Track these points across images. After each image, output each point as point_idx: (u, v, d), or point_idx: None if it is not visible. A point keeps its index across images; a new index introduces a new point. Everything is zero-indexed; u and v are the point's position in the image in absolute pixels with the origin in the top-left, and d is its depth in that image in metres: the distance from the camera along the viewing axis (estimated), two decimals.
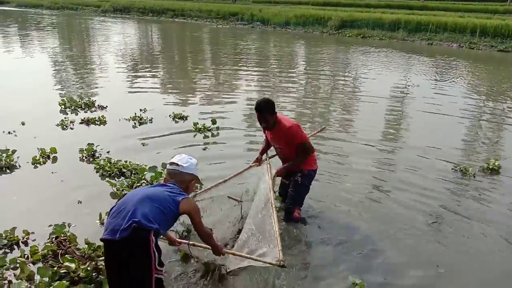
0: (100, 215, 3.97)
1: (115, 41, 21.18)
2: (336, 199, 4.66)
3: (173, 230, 3.37)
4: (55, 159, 5.55)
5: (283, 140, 3.97)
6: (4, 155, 5.32)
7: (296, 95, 10.33)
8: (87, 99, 8.28)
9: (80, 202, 4.35)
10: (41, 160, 5.44)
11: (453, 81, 12.77)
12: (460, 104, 9.46)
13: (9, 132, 6.37)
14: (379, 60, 16.85)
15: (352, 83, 12.03)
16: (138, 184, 4.60)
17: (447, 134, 7.21)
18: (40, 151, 5.55)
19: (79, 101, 8.01)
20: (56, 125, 6.85)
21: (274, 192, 3.75)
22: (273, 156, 4.33)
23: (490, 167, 5.55)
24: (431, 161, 5.84)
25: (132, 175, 4.92)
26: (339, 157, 5.96)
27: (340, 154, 6.06)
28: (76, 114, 7.49)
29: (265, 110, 3.79)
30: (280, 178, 4.26)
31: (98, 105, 7.99)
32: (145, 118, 7.25)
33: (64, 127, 6.82)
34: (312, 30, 28.61)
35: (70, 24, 32.06)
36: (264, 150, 4.30)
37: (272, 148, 4.27)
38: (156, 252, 2.52)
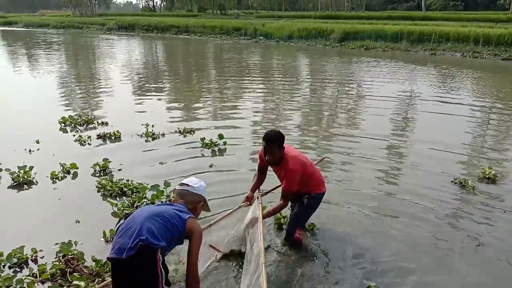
0: (104, 232, 3.95)
1: (120, 57, 21.43)
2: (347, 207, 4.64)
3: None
4: (75, 175, 5.57)
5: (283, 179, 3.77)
6: (22, 171, 5.36)
7: (302, 103, 10.43)
8: (85, 116, 8.28)
9: (78, 222, 4.30)
10: (60, 175, 5.47)
11: (457, 90, 12.71)
12: (463, 112, 9.52)
13: (30, 151, 6.40)
14: (383, 70, 16.87)
15: (356, 93, 12.02)
16: (139, 204, 4.55)
17: (446, 143, 7.07)
18: (61, 167, 5.60)
19: (78, 119, 8.00)
20: (74, 141, 6.93)
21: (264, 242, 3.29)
22: (266, 193, 4.08)
23: (487, 176, 5.48)
24: (429, 173, 5.72)
25: (133, 194, 4.86)
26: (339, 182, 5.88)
27: (343, 172, 6.03)
28: (77, 132, 7.49)
29: (274, 142, 3.55)
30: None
31: (100, 122, 8.01)
32: (157, 133, 7.27)
33: (82, 142, 6.88)
34: (315, 43, 28.84)
35: (76, 42, 32.52)
36: (256, 186, 3.99)
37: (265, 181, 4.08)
38: (163, 271, 2.49)
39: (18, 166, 5.41)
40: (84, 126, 7.81)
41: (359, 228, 4.27)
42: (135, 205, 4.52)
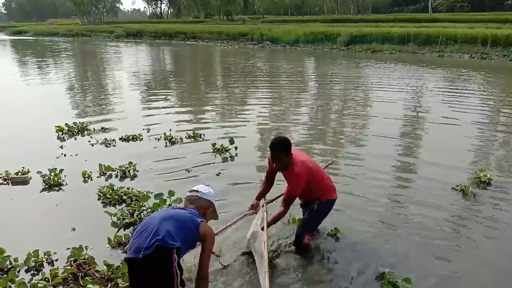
0: (109, 239, 3.99)
1: (128, 63, 21.67)
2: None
3: None
4: (109, 177, 5.68)
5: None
6: (52, 173, 5.50)
7: (311, 105, 10.49)
8: (80, 124, 8.12)
9: (74, 229, 4.28)
10: (92, 177, 5.63)
11: (465, 92, 12.65)
12: (467, 114, 9.43)
13: (64, 155, 6.54)
14: (390, 73, 16.85)
15: (361, 102, 12.02)
16: (138, 212, 4.54)
17: (448, 148, 6.98)
18: (103, 167, 5.77)
19: (74, 127, 7.88)
20: (100, 144, 7.10)
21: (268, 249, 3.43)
22: (271, 201, 4.09)
23: (482, 180, 5.40)
24: (428, 181, 5.58)
25: (133, 202, 4.83)
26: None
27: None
28: (76, 139, 7.55)
29: (279, 150, 3.57)
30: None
31: (102, 128, 8.09)
32: (175, 138, 7.30)
33: (108, 144, 7.08)
34: (322, 47, 28.93)
35: (85, 49, 32.92)
36: (262, 194, 3.99)
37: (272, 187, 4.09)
38: (178, 271, 2.55)
39: (48, 169, 5.57)
40: (79, 134, 7.72)
41: (367, 236, 4.21)
42: (134, 215, 4.49)
